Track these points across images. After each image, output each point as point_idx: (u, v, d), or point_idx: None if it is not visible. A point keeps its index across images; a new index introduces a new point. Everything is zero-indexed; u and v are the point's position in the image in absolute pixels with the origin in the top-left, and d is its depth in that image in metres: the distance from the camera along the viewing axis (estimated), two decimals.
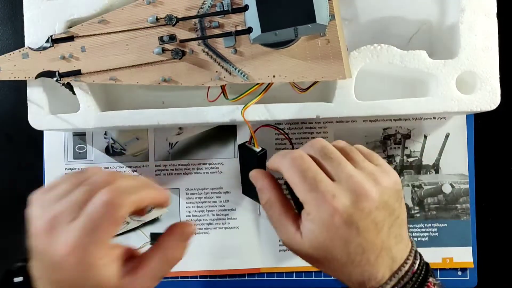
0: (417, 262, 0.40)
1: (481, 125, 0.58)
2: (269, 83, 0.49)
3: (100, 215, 0.35)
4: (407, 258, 0.40)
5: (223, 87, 0.50)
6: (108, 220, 0.36)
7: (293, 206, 0.42)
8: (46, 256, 0.36)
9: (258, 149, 0.52)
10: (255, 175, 0.44)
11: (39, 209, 0.38)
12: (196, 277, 0.59)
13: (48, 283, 0.37)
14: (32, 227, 0.37)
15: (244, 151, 0.52)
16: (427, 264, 0.41)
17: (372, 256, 0.39)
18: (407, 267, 0.39)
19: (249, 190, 0.54)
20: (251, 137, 0.52)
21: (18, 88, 0.60)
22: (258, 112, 0.50)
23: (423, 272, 0.40)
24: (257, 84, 0.49)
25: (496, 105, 0.50)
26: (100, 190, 0.36)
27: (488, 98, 0.50)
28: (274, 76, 0.48)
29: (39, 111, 0.51)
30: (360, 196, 0.38)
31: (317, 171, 0.39)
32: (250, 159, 0.52)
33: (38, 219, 0.37)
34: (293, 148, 0.55)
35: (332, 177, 0.39)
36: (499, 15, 0.49)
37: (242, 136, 0.58)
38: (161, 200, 0.40)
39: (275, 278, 0.58)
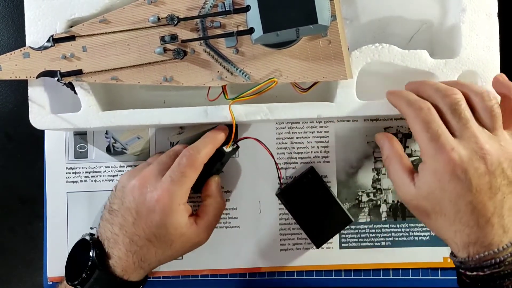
0: None
1: None
2: (267, 86, 0.49)
3: (184, 166, 0.48)
4: None
5: (223, 87, 0.51)
6: (190, 167, 0.48)
7: (409, 161, 0.45)
8: (143, 207, 0.47)
9: (228, 149, 0.53)
10: (378, 136, 0.49)
11: (130, 176, 0.50)
12: (197, 276, 0.59)
13: (145, 232, 0.47)
14: (127, 189, 0.49)
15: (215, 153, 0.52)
16: None
17: (482, 219, 0.38)
18: None
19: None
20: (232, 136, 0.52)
21: (19, 88, 0.60)
22: (260, 112, 0.50)
23: None
24: (258, 85, 0.49)
25: None
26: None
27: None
28: (275, 76, 0.48)
29: (40, 110, 0.51)
30: (479, 155, 0.39)
31: (440, 125, 0.41)
32: (213, 158, 0.52)
33: (131, 181, 0.49)
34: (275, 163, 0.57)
35: (454, 133, 0.41)
36: (500, 15, 0.50)
37: (243, 136, 0.58)
38: (222, 141, 0.52)
39: (276, 278, 0.59)
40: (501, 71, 0.50)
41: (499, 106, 0.42)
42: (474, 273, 0.39)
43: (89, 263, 0.47)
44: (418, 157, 0.58)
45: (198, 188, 0.53)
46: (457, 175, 0.39)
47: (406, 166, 0.44)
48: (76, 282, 0.48)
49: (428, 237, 0.58)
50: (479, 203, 0.38)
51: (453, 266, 0.57)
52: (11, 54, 0.49)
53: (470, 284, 0.41)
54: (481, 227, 0.38)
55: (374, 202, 0.58)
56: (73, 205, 0.58)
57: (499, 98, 0.46)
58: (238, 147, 0.55)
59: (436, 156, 0.40)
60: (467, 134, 0.40)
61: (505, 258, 0.38)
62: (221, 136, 0.52)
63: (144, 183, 0.48)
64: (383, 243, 0.58)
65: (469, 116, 0.41)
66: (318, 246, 0.55)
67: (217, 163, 0.53)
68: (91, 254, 0.48)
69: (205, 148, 0.50)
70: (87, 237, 0.50)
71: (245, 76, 0.48)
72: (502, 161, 0.39)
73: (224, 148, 0.53)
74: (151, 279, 0.59)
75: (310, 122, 0.58)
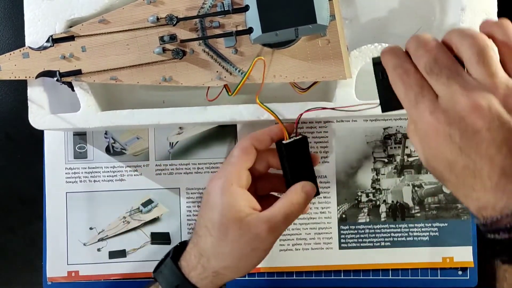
0: None
1: None
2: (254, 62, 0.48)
3: (234, 148, 0.49)
4: None
5: (225, 85, 0.50)
6: (238, 148, 0.48)
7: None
8: (204, 194, 0.49)
9: (286, 142, 0.49)
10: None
11: None
12: None
13: (203, 219, 0.47)
14: None
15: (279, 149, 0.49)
16: None
17: (488, 181, 0.34)
18: None
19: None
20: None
21: (18, 88, 0.60)
22: (260, 111, 0.50)
23: None
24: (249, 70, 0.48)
25: None
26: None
27: None
28: (274, 76, 0.48)
29: (40, 110, 0.51)
30: (467, 112, 0.34)
31: (421, 88, 0.36)
32: (281, 155, 0.49)
33: None
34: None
35: (437, 93, 0.35)
36: (499, 14, 0.50)
37: (242, 136, 0.58)
38: (278, 132, 0.49)
39: (276, 278, 0.58)
40: None
41: (490, 48, 0.35)
42: (492, 236, 0.35)
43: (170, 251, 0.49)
44: (417, 157, 0.58)
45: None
46: (441, 139, 0.35)
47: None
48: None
49: (427, 237, 0.58)
50: (478, 165, 0.34)
51: (454, 266, 0.58)
52: (10, 54, 0.49)
53: (492, 248, 0.35)
54: (489, 190, 0.34)
55: (374, 202, 0.58)
56: (72, 205, 0.58)
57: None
58: (301, 137, 0.49)
59: (418, 123, 0.36)
60: (448, 92, 0.35)
61: None
62: (276, 127, 0.50)
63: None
64: (382, 244, 0.58)
65: (448, 72, 0.35)
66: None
67: (284, 159, 0.49)
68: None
69: (257, 133, 0.49)
70: None
71: (244, 76, 0.48)
72: (500, 112, 0.34)
73: (282, 141, 0.49)
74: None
75: (310, 122, 0.58)
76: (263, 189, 0.52)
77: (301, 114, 0.49)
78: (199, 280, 0.47)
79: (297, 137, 0.49)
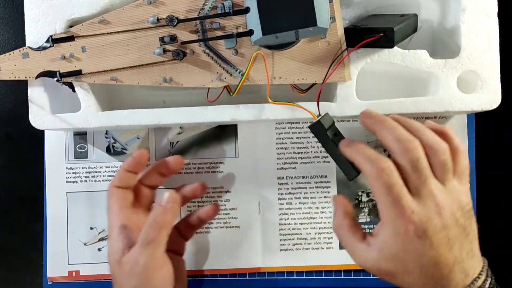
0: (489, 280, 0.41)
1: (482, 124, 0.58)
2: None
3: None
4: (480, 274, 0.41)
5: (227, 86, 0.50)
6: None
7: (360, 227, 0.44)
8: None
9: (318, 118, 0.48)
10: (333, 199, 0.47)
11: None
12: (197, 276, 0.59)
13: None
14: None
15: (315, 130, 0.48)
16: (497, 285, 0.43)
17: (445, 270, 0.40)
18: (480, 282, 0.41)
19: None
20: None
21: (19, 88, 0.60)
22: (260, 111, 0.50)
23: None
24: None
25: (497, 105, 0.50)
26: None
27: (489, 98, 0.50)
28: (274, 78, 0.48)
29: (40, 111, 0.51)
30: (436, 212, 0.40)
31: (402, 188, 0.40)
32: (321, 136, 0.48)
33: None
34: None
35: (411, 189, 0.41)
36: (500, 15, 0.49)
37: (243, 135, 0.58)
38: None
39: (276, 278, 0.59)
40: (501, 71, 0.50)
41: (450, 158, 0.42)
42: None
43: None
44: None
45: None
46: (418, 235, 0.40)
47: (359, 233, 0.44)
48: None
49: None
50: (441, 257, 0.40)
51: None
52: (10, 54, 0.49)
53: None
54: (445, 278, 0.40)
55: (374, 202, 0.58)
56: (73, 205, 0.59)
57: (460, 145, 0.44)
58: (325, 115, 0.48)
59: (396, 220, 0.40)
60: (425, 192, 0.40)
61: None
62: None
63: None
64: None
65: (429, 173, 0.41)
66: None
67: (325, 138, 0.48)
68: None
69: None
70: None
71: (245, 71, 0.48)
72: (455, 212, 0.41)
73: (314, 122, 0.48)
74: None
75: (310, 122, 0.58)
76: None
77: (320, 90, 0.49)
78: None
79: (323, 115, 0.48)
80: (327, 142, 0.47)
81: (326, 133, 0.47)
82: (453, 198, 0.41)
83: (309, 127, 0.48)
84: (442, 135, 0.42)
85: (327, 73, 0.48)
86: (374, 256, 0.42)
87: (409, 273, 0.41)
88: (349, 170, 0.46)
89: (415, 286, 0.42)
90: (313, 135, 0.57)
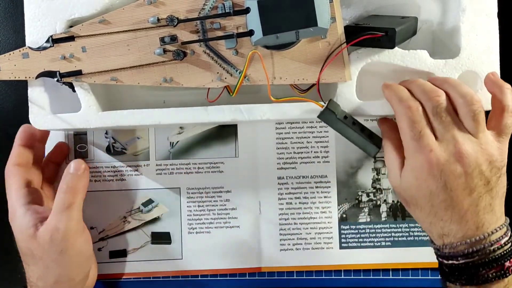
0: (506, 238, 0.42)
1: None
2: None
3: None
4: (495, 229, 0.42)
5: (227, 86, 0.50)
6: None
7: (403, 150, 0.45)
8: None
9: (322, 109, 0.48)
10: (380, 121, 0.50)
11: None
12: (197, 276, 0.59)
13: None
14: None
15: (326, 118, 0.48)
16: None
17: (455, 215, 0.42)
18: (494, 236, 0.41)
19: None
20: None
21: (19, 88, 0.59)
22: (260, 111, 0.50)
23: (510, 249, 0.42)
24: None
25: None
26: None
27: (489, 98, 0.50)
28: (274, 78, 0.48)
29: (40, 111, 0.51)
30: (456, 157, 0.42)
31: (424, 126, 0.43)
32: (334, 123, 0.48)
33: None
34: None
35: (436, 134, 0.43)
36: (500, 15, 0.49)
37: (243, 135, 0.58)
38: None
39: (276, 278, 0.59)
40: (501, 71, 0.50)
41: (483, 109, 0.43)
42: (450, 262, 0.43)
43: None
44: None
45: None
46: (433, 174, 0.42)
47: (400, 155, 0.46)
48: None
49: (428, 237, 0.58)
50: (453, 202, 0.42)
51: None
52: (10, 54, 0.49)
53: (448, 273, 0.44)
54: (454, 222, 0.42)
55: (374, 202, 0.58)
56: None
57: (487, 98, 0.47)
58: (329, 101, 0.48)
59: (415, 155, 0.43)
60: (447, 136, 0.42)
61: (478, 249, 0.41)
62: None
63: None
64: (383, 243, 0.58)
65: (450, 119, 0.43)
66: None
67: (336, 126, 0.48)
68: None
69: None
70: None
71: (245, 77, 0.48)
72: (481, 163, 0.42)
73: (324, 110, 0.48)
74: (151, 279, 0.59)
75: (310, 122, 0.58)
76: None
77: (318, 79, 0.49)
78: None
79: (328, 102, 0.48)
80: (341, 126, 0.49)
81: (337, 118, 0.48)
82: (483, 150, 0.42)
83: (318, 116, 0.48)
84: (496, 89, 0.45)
85: (325, 62, 0.48)
86: (398, 182, 0.45)
87: (420, 209, 0.43)
88: (369, 147, 0.48)
89: (423, 224, 0.44)
90: (313, 134, 0.57)
